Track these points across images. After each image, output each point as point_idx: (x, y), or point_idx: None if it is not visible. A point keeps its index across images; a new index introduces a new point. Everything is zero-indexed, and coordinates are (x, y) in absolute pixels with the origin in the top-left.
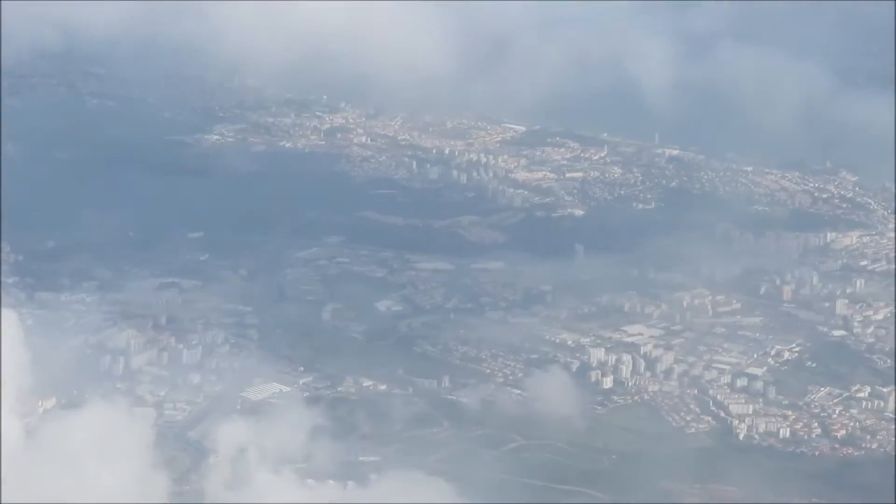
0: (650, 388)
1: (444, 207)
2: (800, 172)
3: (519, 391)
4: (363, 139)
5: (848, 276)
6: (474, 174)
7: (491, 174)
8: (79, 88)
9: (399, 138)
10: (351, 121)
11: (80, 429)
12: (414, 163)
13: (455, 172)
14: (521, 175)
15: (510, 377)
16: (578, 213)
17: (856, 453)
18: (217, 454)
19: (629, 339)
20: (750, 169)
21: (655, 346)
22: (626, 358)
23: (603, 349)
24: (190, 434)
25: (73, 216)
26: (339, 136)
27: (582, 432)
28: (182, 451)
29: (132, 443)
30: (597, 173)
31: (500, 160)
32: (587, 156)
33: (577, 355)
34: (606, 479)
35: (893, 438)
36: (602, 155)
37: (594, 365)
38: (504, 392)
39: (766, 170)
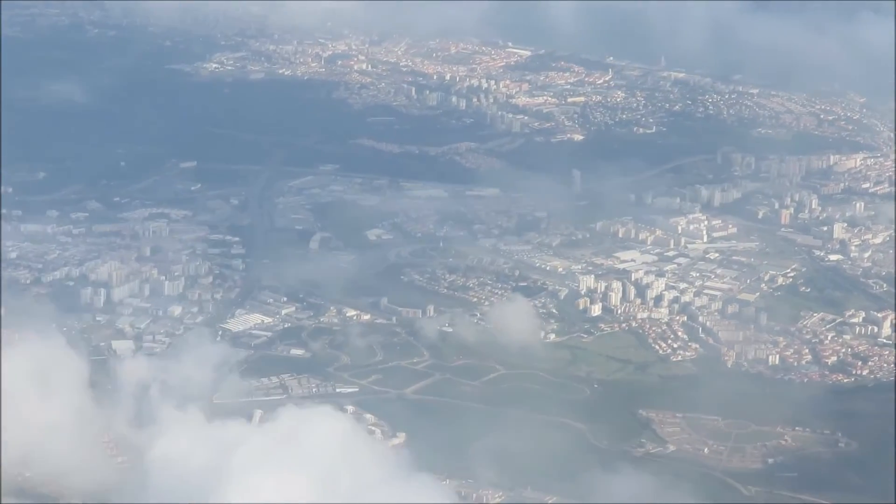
0: (639, 316)
1: (442, 134)
2: (807, 94)
3: (504, 320)
4: (364, 66)
5: (849, 200)
6: (474, 100)
7: (491, 100)
8: (80, 18)
9: (401, 64)
10: (353, 47)
11: (15, 364)
12: (413, 89)
13: (455, 98)
14: (522, 100)
15: (496, 306)
16: (578, 138)
17: (845, 380)
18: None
19: (621, 266)
20: (756, 91)
21: (647, 273)
22: (616, 285)
23: (593, 276)
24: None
25: (67, 147)
26: (339, 63)
27: (565, 361)
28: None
29: (68, 379)
30: (599, 98)
31: (501, 85)
32: (591, 80)
33: (567, 282)
34: (584, 409)
35: (885, 365)
36: (606, 79)
37: (583, 292)
38: (488, 321)
39: (773, 92)
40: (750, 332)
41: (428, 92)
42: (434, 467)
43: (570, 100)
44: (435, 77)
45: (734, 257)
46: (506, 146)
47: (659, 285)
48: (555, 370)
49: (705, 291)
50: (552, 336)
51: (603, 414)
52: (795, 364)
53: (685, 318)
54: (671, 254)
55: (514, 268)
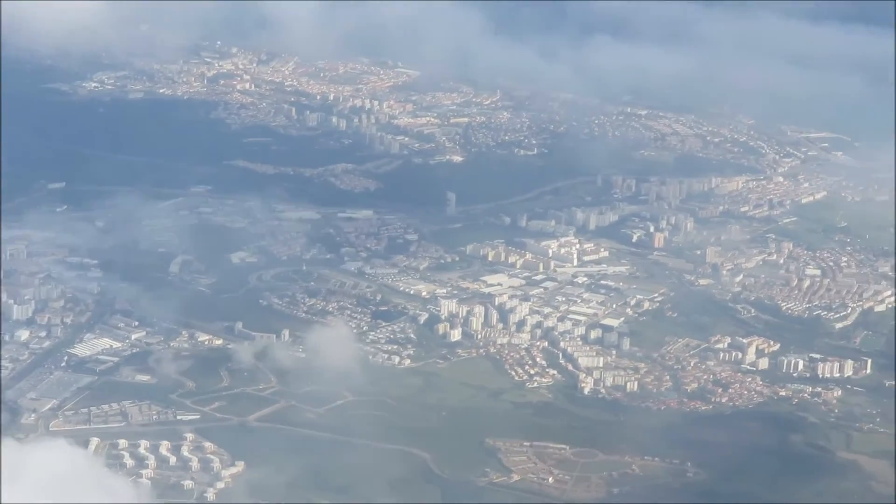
0: (499, 341)
1: (319, 155)
2: (695, 116)
3: (359, 345)
4: (247, 85)
5: (725, 223)
6: (355, 121)
7: (373, 120)
8: None
9: (286, 84)
10: (240, 66)
11: None
12: (294, 109)
13: (335, 119)
14: (404, 121)
15: (353, 330)
16: (457, 159)
17: (703, 408)
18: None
19: (487, 290)
20: (644, 113)
21: (512, 297)
22: (479, 309)
23: (455, 301)
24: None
25: None
26: (222, 82)
27: (417, 387)
28: None
29: None
30: (483, 118)
31: (385, 106)
32: (478, 100)
33: (429, 307)
34: (430, 437)
35: (745, 392)
36: (494, 99)
37: (444, 317)
38: (342, 346)
39: (661, 113)
40: (611, 358)
41: (309, 112)
42: (270, 497)
43: (453, 120)
44: (318, 97)
45: (603, 281)
46: (383, 167)
47: (522, 310)
48: (404, 397)
49: (569, 316)
50: (407, 361)
51: (449, 442)
52: (654, 391)
53: (546, 343)
54: (539, 278)
55: (377, 292)
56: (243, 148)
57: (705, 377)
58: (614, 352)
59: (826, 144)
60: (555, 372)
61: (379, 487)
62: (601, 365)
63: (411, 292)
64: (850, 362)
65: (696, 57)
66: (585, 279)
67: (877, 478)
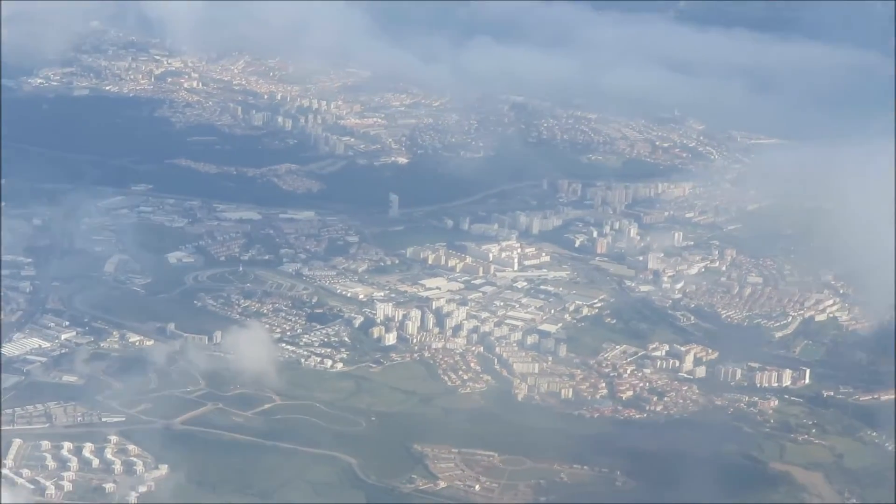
0: (433, 346)
1: (263, 155)
2: (645, 121)
3: (291, 348)
4: (195, 84)
5: (670, 229)
6: (301, 120)
7: (319, 120)
8: None
9: (234, 83)
10: (189, 64)
11: None
12: (240, 109)
13: (281, 119)
14: (351, 122)
15: (287, 332)
16: (402, 161)
17: (637, 416)
18: None
19: (425, 294)
20: (594, 117)
21: (449, 301)
22: (415, 313)
23: (392, 304)
24: None
25: None
26: (169, 80)
27: (347, 391)
28: None
29: None
30: (431, 120)
31: (332, 106)
32: (427, 102)
33: (365, 310)
34: (358, 442)
35: (681, 400)
36: (443, 101)
37: (379, 320)
38: (273, 349)
39: (611, 118)
40: (547, 365)
41: (255, 111)
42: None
43: (400, 122)
44: (266, 96)
45: (542, 286)
46: (327, 168)
47: (459, 314)
48: (334, 401)
49: (507, 321)
50: (339, 365)
51: (376, 448)
52: (589, 398)
53: (482, 348)
54: (478, 282)
55: (314, 294)
56: (187, 146)
57: (641, 385)
58: (550, 358)
59: (774, 151)
60: (489, 377)
61: (303, 491)
62: (536, 371)
63: (348, 295)
64: (788, 371)
65: (578, 60)
66: (525, 284)
67: (809, 489)
